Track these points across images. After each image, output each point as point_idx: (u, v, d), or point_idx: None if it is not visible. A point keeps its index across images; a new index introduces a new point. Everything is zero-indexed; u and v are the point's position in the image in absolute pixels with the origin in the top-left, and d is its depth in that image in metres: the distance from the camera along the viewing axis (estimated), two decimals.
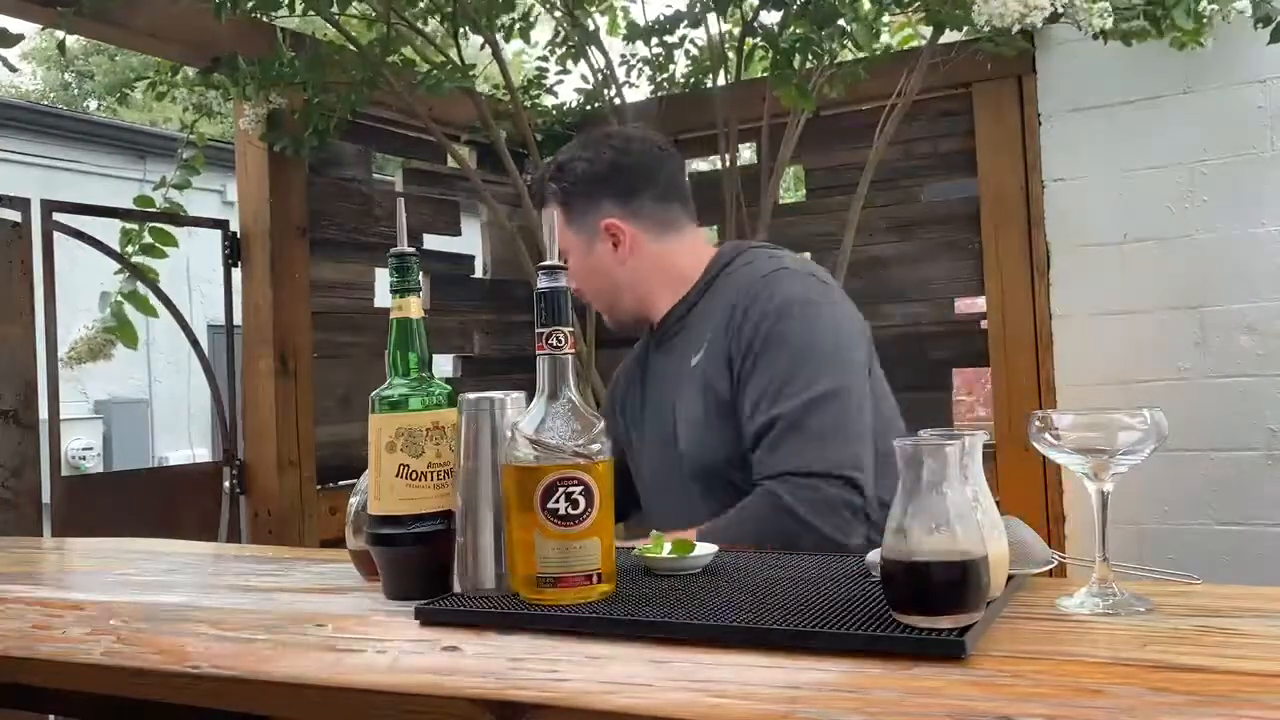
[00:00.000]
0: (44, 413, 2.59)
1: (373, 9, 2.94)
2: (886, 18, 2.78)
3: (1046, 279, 3.01)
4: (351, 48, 2.86)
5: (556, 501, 1.03)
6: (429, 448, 1.15)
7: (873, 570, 1.07)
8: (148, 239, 2.87)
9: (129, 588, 1.39)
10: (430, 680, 0.92)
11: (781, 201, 3.49)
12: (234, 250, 3.00)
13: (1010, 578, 1.03)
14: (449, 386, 1.20)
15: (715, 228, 3.24)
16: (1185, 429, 2.69)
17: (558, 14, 3.25)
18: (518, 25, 3.21)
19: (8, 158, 8.81)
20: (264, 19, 2.84)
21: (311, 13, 2.78)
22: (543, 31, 3.41)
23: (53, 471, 2.64)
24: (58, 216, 2.62)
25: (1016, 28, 2.21)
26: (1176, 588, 1.07)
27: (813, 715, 0.77)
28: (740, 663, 0.88)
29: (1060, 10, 2.21)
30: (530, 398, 1.11)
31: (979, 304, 3.21)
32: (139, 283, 2.86)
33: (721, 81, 3.19)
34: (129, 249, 2.86)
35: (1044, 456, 1.03)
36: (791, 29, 2.61)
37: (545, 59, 3.44)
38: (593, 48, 3.30)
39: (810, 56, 2.58)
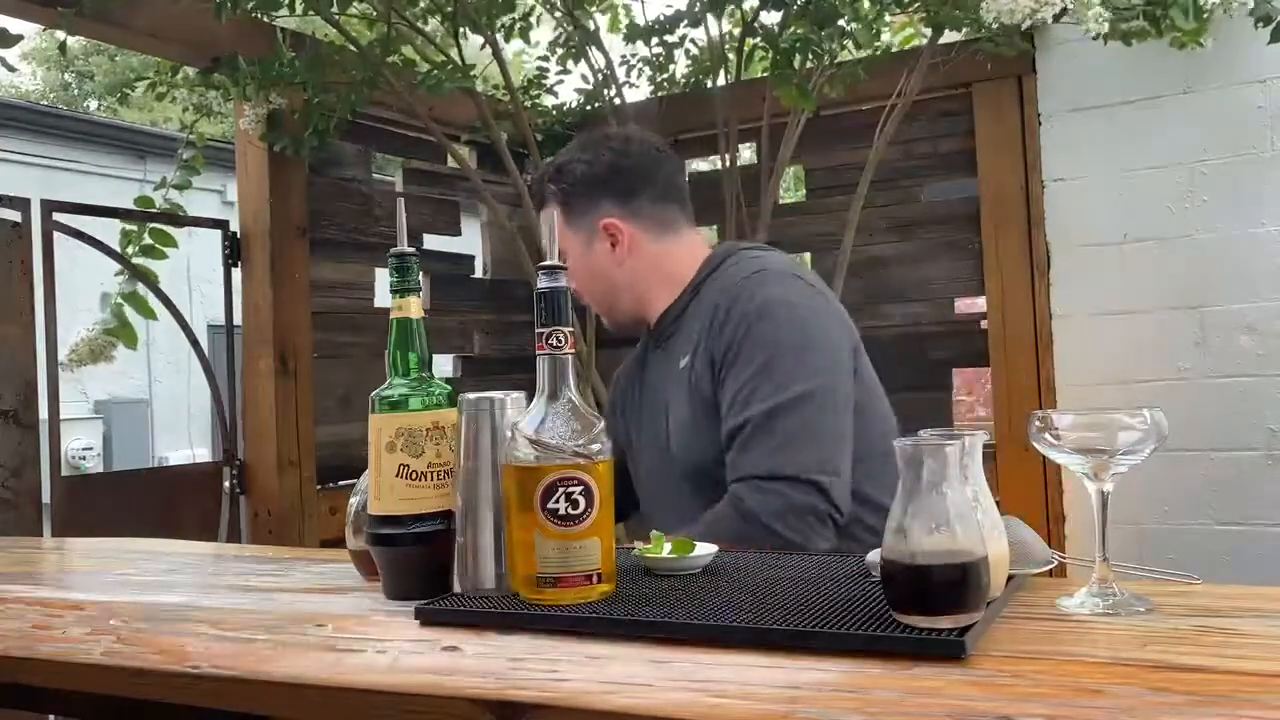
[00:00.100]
0: (44, 413, 2.59)
1: (373, 9, 2.94)
2: (887, 17, 2.78)
3: (1046, 279, 3.01)
4: (351, 48, 2.86)
5: (556, 501, 1.03)
6: (429, 448, 1.15)
7: (873, 570, 1.07)
8: (148, 239, 2.87)
9: (129, 588, 1.39)
10: (430, 680, 0.92)
11: (781, 201, 3.49)
12: (234, 250, 3.00)
13: (1010, 578, 1.03)
14: (449, 386, 1.20)
15: (715, 228, 3.24)
16: (1185, 429, 2.69)
17: (558, 14, 3.25)
18: (518, 25, 3.21)
19: (8, 158, 8.81)
20: (264, 19, 2.84)
21: (311, 13, 2.78)
22: (543, 32, 3.41)
23: (53, 471, 2.64)
24: (58, 216, 2.62)
25: (1026, 24, 2.21)
26: (1176, 588, 1.07)
27: (813, 715, 0.77)
28: (740, 663, 0.88)
29: (1069, 5, 2.21)
30: (530, 398, 1.11)
31: (979, 304, 3.21)
32: (139, 283, 2.86)
33: (721, 81, 3.19)
34: (129, 249, 2.86)
35: (1044, 456, 1.03)
36: (791, 29, 2.61)
37: (545, 59, 3.44)
38: (592, 48, 3.30)
39: (810, 56, 2.58)
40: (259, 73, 2.75)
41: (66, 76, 17.05)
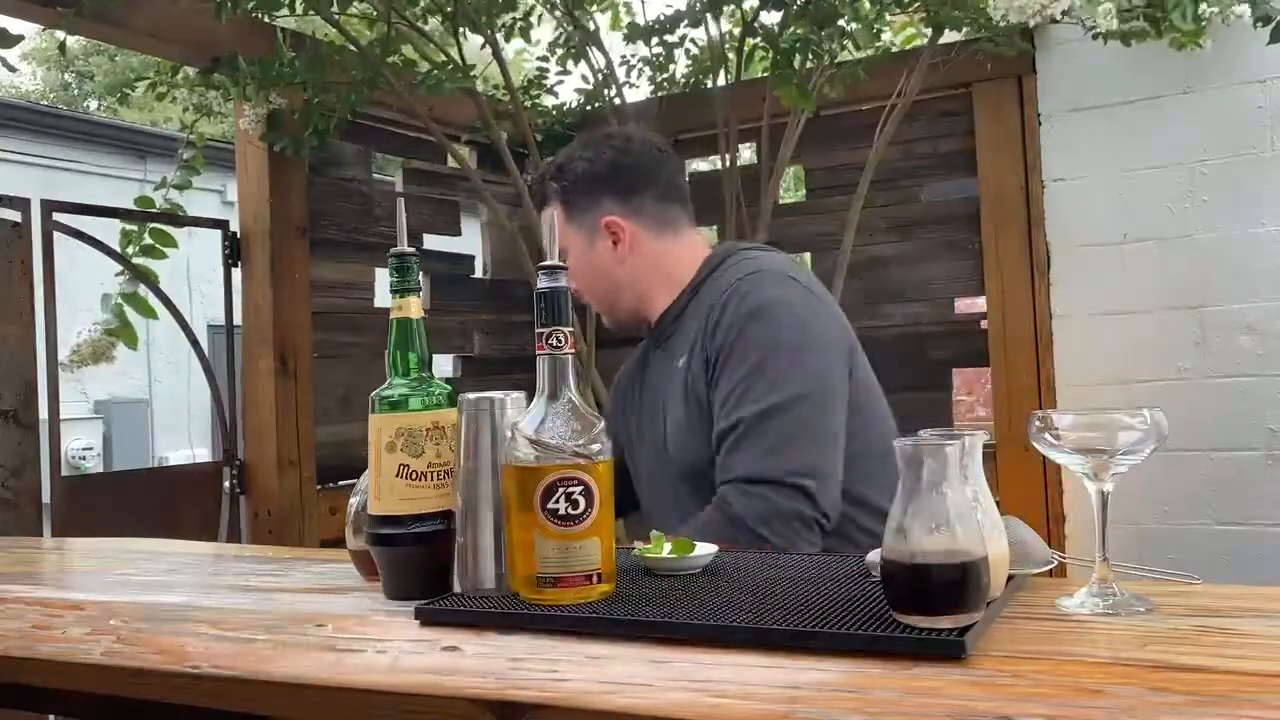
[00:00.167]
0: (44, 413, 2.59)
1: (373, 8, 2.94)
2: (887, 17, 2.78)
3: (1046, 279, 3.01)
4: (351, 48, 2.86)
5: (556, 501, 1.03)
6: (429, 448, 1.15)
7: (873, 570, 1.07)
8: (148, 239, 2.88)
9: (129, 588, 1.39)
10: (430, 680, 0.92)
11: (781, 201, 3.49)
12: (234, 250, 3.00)
13: (1010, 578, 1.03)
14: (449, 386, 1.20)
15: (715, 228, 3.24)
16: (1185, 429, 2.69)
17: (558, 13, 3.25)
18: (518, 25, 3.21)
19: (8, 158, 8.81)
20: (264, 19, 2.84)
21: (312, 13, 2.78)
22: (543, 31, 3.41)
23: (53, 471, 2.64)
24: (58, 216, 2.62)
25: (1034, 22, 2.21)
26: (1176, 588, 1.07)
27: (813, 715, 0.77)
28: (740, 663, 0.88)
29: (1076, 3, 2.22)
30: (530, 398, 1.11)
31: (979, 304, 3.22)
32: (139, 283, 2.86)
33: (721, 81, 3.19)
34: (129, 249, 2.86)
35: (1044, 456, 1.03)
36: (791, 29, 2.61)
37: (545, 59, 3.44)
38: (592, 48, 3.30)
39: (810, 56, 2.58)
40: (259, 73, 2.75)
41: (66, 76, 17.05)
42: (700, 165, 3.97)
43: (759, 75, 3.23)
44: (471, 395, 1.14)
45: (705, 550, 1.20)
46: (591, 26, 3.30)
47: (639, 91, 4.51)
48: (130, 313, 2.85)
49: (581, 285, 1.75)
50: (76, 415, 8.35)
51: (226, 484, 2.96)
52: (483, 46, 3.09)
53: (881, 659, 0.85)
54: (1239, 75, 2.77)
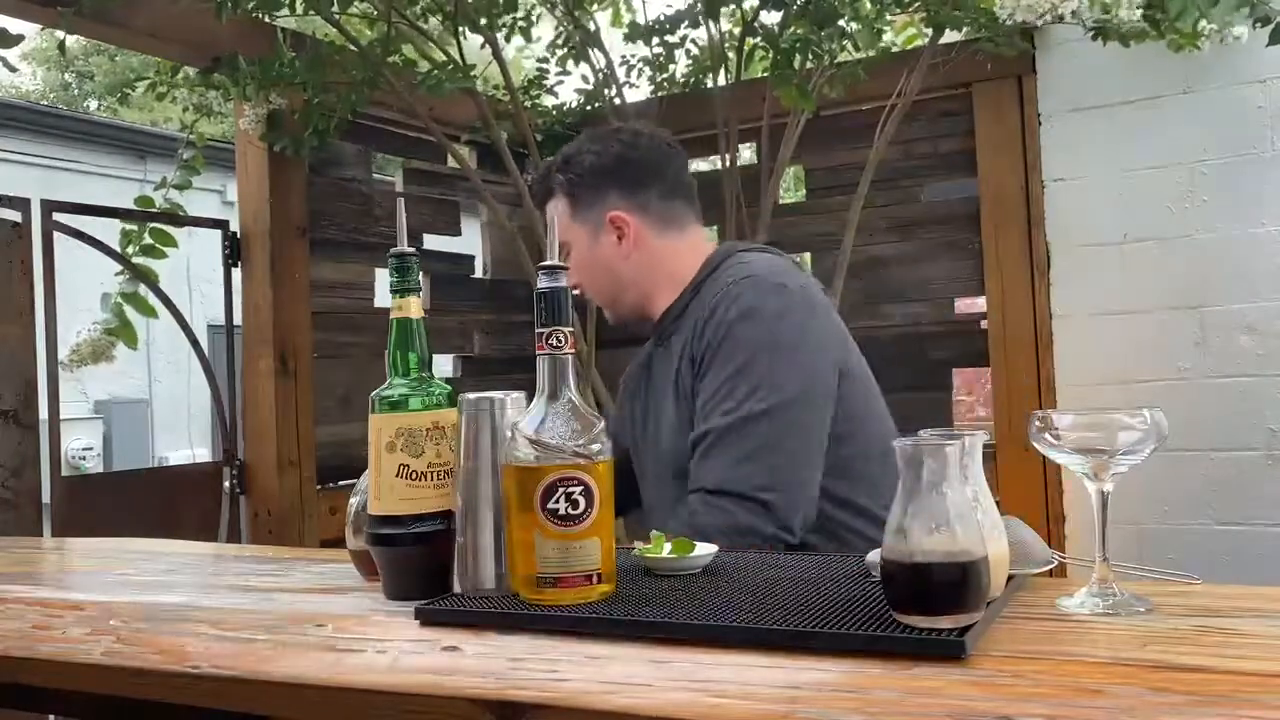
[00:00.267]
0: (44, 413, 2.59)
1: (374, 8, 2.94)
2: (887, 17, 2.78)
3: (1046, 279, 3.01)
4: (352, 48, 2.86)
5: (556, 501, 1.03)
6: (429, 448, 1.15)
7: (873, 570, 1.07)
8: (148, 239, 2.88)
9: (129, 588, 1.39)
10: (430, 680, 0.92)
11: (781, 201, 3.49)
12: (234, 250, 3.00)
13: (1010, 578, 1.03)
14: (449, 386, 1.19)
15: (715, 228, 3.24)
16: (1185, 429, 2.69)
17: (559, 12, 3.25)
18: (518, 24, 3.21)
19: (8, 158, 8.82)
20: (264, 19, 2.84)
21: (312, 13, 2.78)
22: (544, 30, 3.41)
23: (53, 471, 2.64)
24: (58, 216, 2.62)
25: (1043, 21, 2.21)
26: (1176, 588, 1.07)
27: (813, 715, 0.77)
28: (740, 663, 0.88)
29: (1085, 2, 2.22)
30: (530, 398, 1.11)
31: (979, 304, 3.22)
32: (139, 283, 2.86)
33: (721, 81, 3.19)
34: (129, 249, 2.86)
35: (1044, 456, 1.03)
36: (792, 29, 2.61)
37: (545, 60, 3.44)
38: (593, 48, 3.30)
39: (810, 57, 2.58)
40: (259, 73, 2.75)
41: (66, 76, 17.05)
42: (700, 165, 3.97)
43: (759, 75, 3.23)
44: (471, 395, 1.14)
45: (705, 550, 1.20)
46: (592, 27, 3.30)
47: (639, 91, 4.51)
48: (130, 312, 2.85)
49: (583, 280, 1.74)
50: (76, 415, 8.35)
51: (226, 484, 2.96)
52: (483, 46, 3.10)
53: (881, 659, 0.85)
54: (1239, 75, 2.77)
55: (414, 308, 1.19)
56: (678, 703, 0.82)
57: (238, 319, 3.02)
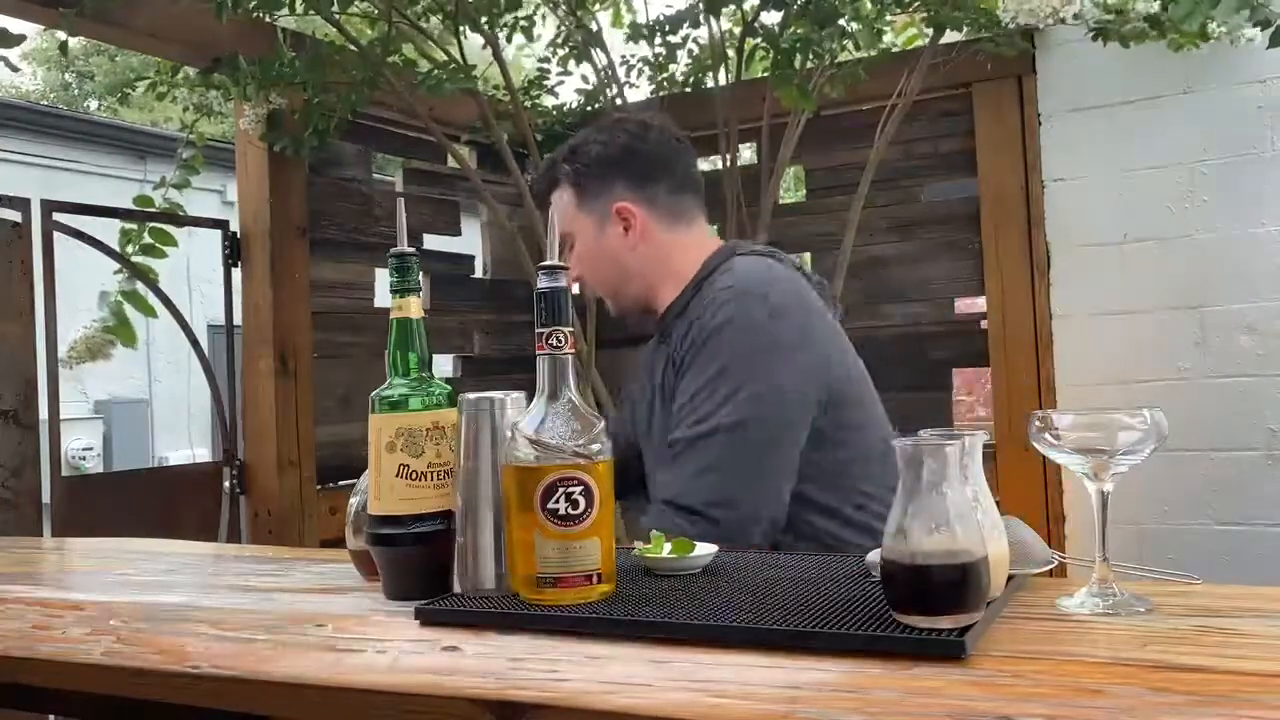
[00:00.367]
0: (44, 413, 2.59)
1: (374, 7, 2.94)
2: (888, 17, 2.78)
3: (1046, 279, 3.01)
4: (352, 47, 2.86)
5: (556, 501, 1.03)
6: (429, 448, 1.15)
7: (873, 570, 1.07)
8: (147, 239, 2.88)
9: (129, 588, 1.39)
10: (430, 680, 0.92)
11: (781, 201, 3.49)
12: (234, 250, 3.00)
13: (1010, 578, 1.03)
14: (449, 386, 1.19)
15: (715, 228, 3.24)
16: (1185, 429, 2.69)
17: (560, 11, 3.25)
18: (519, 24, 3.21)
19: (8, 158, 8.81)
20: (264, 19, 2.84)
21: (312, 12, 2.78)
22: (544, 30, 3.41)
23: (53, 471, 2.64)
24: (58, 216, 2.62)
25: (1047, 24, 2.22)
26: (1176, 588, 1.07)
27: (813, 715, 0.77)
28: (740, 663, 0.88)
29: (1087, 5, 2.23)
30: (530, 398, 1.11)
31: (979, 304, 3.22)
32: (139, 282, 2.86)
33: (722, 81, 3.19)
34: (129, 248, 2.86)
35: (1044, 456, 1.03)
36: (792, 29, 2.61)
37: (546, 60, 3.44)
38: (595, 48, 3.30)
39: (811, 56, 2.58)
40: (259, 73, 2.75)
41: (66, 76, 17.05)
42: (700, 165, 3.96)
43: (759, 75, 3.23)
44: (471, 395, 1.14)
45: (705, 550, 1.20)
46: (594, 27, 3.30)
47: (639, 91, 4.51)
48: (129, 311, 2.85)
49: (586, 271, 1.73)
50: (76, 415, 8.35)
51: (226, 484, 2.96)
52: (484, 47, 3.10)
53: (881, 659, 0.85)
54: (1239, 75, 2.77)
55: (414, 308, 1.19)
56: (678, 703, 0.82)
57: (238, 319, 3.02)
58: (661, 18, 3.29)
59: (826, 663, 0.86)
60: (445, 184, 3.53)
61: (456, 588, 1.12)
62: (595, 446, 1.06)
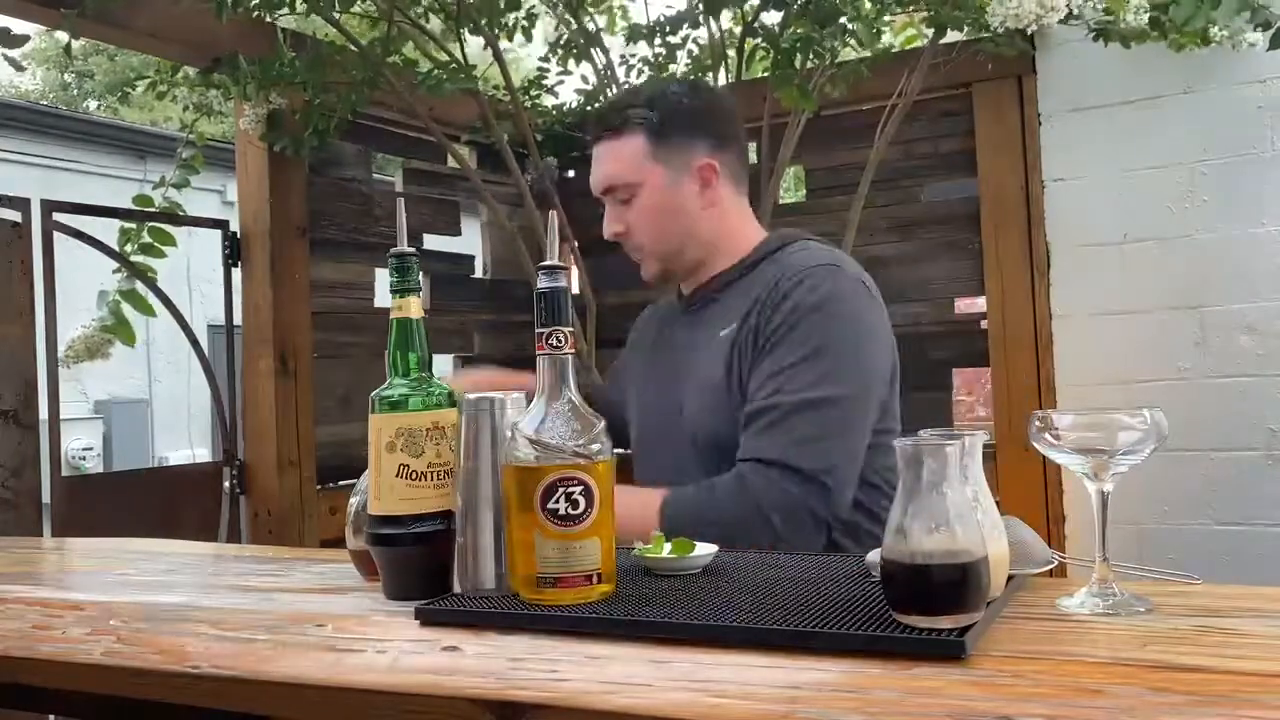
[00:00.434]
0: (44, 413, 2.59)
1: (375, 7, 2.94)
2: (887, 16, 2.78)
3: (1046, 279, 3.01)
4: (352, 47, 2.86)
5: (556, 501, 1.03)
6: (429, 448, 1.15)
7: (873, 570, 1.07)
8: (146, 239, 2.88)
9: (129, 588, 1.39)
10: (430, 680, 0.92)
11: (781, 201, 3.49)
12: (234, 250, 3.00)
13: (1010, 578, 1.03)
14: (449, 386, 1.20)
15: None
16: (1185, 429, 2.69)
17: (559, 10, 3.25)
18: (519, 24, 3.21)
19: (8, 158, 8.81)
20: (265, 19, 2.84)
21: (313, 13, 2.78)
22: (544, 30, 3.41)
23: (53, 471, 2.64)
24: (58, 216, 2.62)
25: (1032, 29, 2.22)
26: (1176, 588, 1.07)
27: (813, 715, 0.77)
28: (740, 663, 0.88)
29: (1074, 9, 2.23)
30: (530, 398, 1.11)
31: (979, 304, 3.22)
32: (138, 282, 2.86)
33: (722, 81, 3.19)
34: (128, 248, 2.86)
35: (1044, 456, 1.03)
36: (792, 29, 2.61)
37: (546, 60, 3.44)
38: (594, 48, 3.30)
39: (811, 56, 2.58)
40: (259, 73, 2.75)
41: (66, 76, 17.05)
42: None
43: (759, 75, 3.23)
44: (471, 395, 1.14)
45: (705, 550, 1.20)
46: (592, 27, 3.30)
47: None
48: (128, 311, 2.85)
49: (645, 224, 1.65)
50: (76, 415, 8.35)
51: (226, 484, 2.96)
52: (485, 47, 3.10)
53: (881, 659, 0.85)
54: (1239, 75, 2.77)
55: (414, 308, 1.19)
56: (678, 703, 0.82)
57: (238, 319, 3.02)
58: (661, 18, 3.28)
59: (826, 663, 0.86)
60: (445, 184, 3.53)
61: (456, 588, 1.12)
62: (595, 446, 1.06)
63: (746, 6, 3.02)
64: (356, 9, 2.97)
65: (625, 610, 1.00)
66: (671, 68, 3.43)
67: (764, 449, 1.49)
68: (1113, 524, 1.00)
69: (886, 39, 3.13)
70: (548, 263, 1.12)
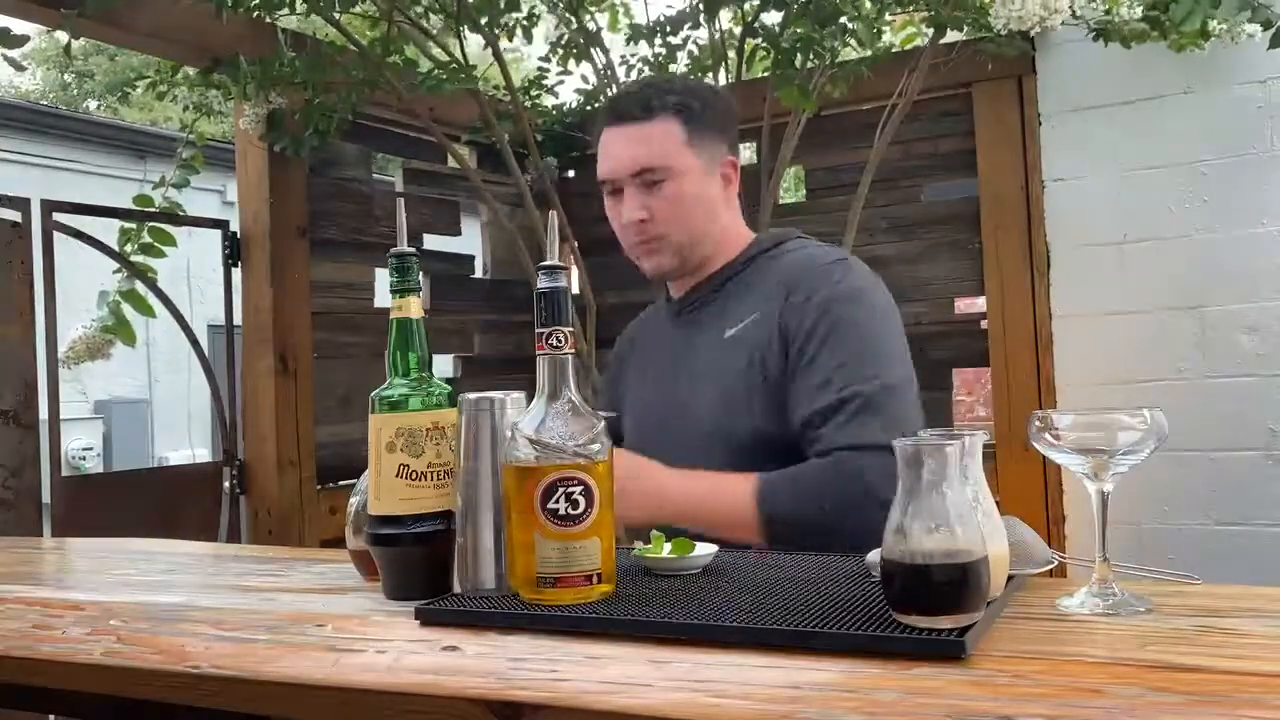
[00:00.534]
0: (44, 413, 2.59)
1: (375, 7, 2.94)
2: (888, 16, 2.78)
3: (1046, 279, 3.01)
4: (352, 47, 2.86)
5: (556, 501, 1.03)
6: (429, 448, 1.15)
7: (873, 570, 1.07)
8: (146, 239, 2.88)
9: (129, 588, 1.39)
10: (430, 680, 0.92)
11: (781, 201, 3.49)
12: (234, 250, 3.00)
13: (1010, 578, 1.03)
14: (449, 386, 1.19)
15: None
16: (1185, 429, 2.69)
17: (559, 8, 3.25)
18: (520, 25, 3.21)
19: (8, 158, 8.81)
20: (265, 19, 2.84)
21: (313, 13, 2.78)
22: (544, 31, 3.41)
23: (53, 471, 2.64)
24: (58, 216, 2.62)
25: (1035, 31, 2.22)
26: (1176, 588, 1.07)
27: (813, 715, 0.77)
28: (740, 663, 0.88)
29: (1076, 10, 2.23)
30: (530, 398, 1.11)
31: (979, 304, 3.22)
32: (138, 282, 2.86)
33: (722, 81, 3.19)
34: (128, 248, 2.86)
35: (1044, 456, 1.03)
36: (792, 29, 2.61)
37: (546, 60, 3.44)
38: (595, 48, 3.30)
39: (812, 56, 2.58)
40: (259, 73, 2.75)
41: (66, 76, 17.05)
42: None
43: (760, 75, 3.23)
44: (471, 395, 1.14)
45: (705, 550, 1.20)
46: (593, 27, 3.30)
47: None
48: (128, 311, 2.85)
49: (676, 212, 1.63)
50: (76, 415, 8.34)
51: (226, 484, 2.96)
52: (485, 47, 3.10)
53: (881, 659, 0.85)
54: (1239, 75, 2.77)
55: (414, 308, 1.19)
56: (678, 703, 0.82)
57: (238, 319, 3.02)
58: (661, 18, 3.28)
59: (826, 663, 0.86)
60: (445, 184, 3.53)
61: (456, 588, 1.12)
62: (595, 446, 1.06)
63: (746, 6, 3.03)
64: (356, 9, 2.97)
65: (625, 610, 1.00)
66: (671, 68, 3.43)
67: (861, 435, 1.48)
68: (1113, 524, 1.00)
69: (886, 39, 3.12)
70: (548, 263, 1.12)
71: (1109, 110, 2.94)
